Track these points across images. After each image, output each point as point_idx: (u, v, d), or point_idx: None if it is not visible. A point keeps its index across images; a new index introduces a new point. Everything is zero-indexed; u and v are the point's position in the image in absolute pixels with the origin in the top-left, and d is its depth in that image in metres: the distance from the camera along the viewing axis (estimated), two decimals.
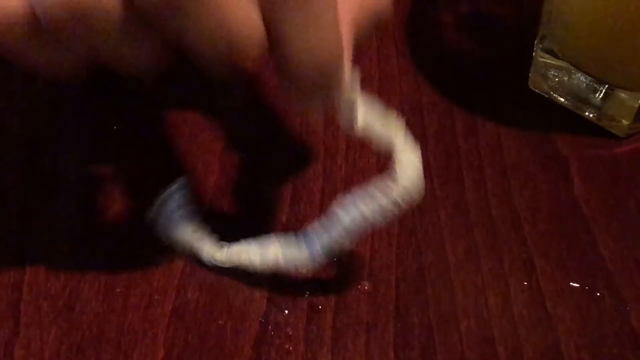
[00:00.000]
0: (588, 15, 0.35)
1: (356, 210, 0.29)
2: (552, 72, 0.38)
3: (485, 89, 0.40)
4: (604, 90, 0.37)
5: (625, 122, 0.37)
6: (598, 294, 0.33)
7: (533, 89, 0.39)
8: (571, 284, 0.33)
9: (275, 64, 0.25)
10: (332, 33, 0.24)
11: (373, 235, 0.34)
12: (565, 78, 0.38)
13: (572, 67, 0.37)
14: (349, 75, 0.26)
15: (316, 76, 0.25)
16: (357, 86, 0.28)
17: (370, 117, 0.28)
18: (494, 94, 0.39)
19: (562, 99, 0.39)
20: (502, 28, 0.42)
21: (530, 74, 0.39)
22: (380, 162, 0.37)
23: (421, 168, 0.29)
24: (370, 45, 0.41)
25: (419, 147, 0.29)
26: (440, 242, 0.34)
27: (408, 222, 0.35)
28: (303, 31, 0.24)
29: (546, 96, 0.39)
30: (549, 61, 0.38)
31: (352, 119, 0.28)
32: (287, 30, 0.24)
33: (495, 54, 0.41)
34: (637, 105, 0.37)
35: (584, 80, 0.37)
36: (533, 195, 0.36)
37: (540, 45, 0.39)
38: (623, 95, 0.37)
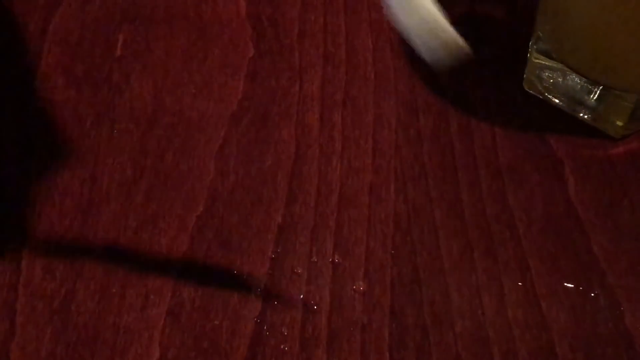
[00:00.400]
0: (583, 16, 0.35)
1: None
2: (547, 73, 0.38)
3: (480, 90, 0.40)
4: (598, 92, 0.37)
5: (619, 123, 0.37)
6: (592, 294, 0.33)
7: (528, 90, 0.39)
8: (565, 284, 0.33)
9: None
10: None
11: (368, 236, 0.34)
12: (560, 79, 0.38)
13: (566, 69, 0.37)
14: None
15: None
16: None
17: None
18: (488, 95, 0.39)
19: (557, 100, 0.39)
20: (497, 29, 0.42)
21: (525, 75, 0.40)
22: (375, 162, 0.37)
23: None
24: (365, 45, 0.41)
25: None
26: (435, 242, 0.34)
27: (403, 222, 0.35)
28: None
29: (541, 97, 0.39)
30: (543, 62, 0.38)
31: None
32: None
33: (490, 55, 0.41)
34: (631, 107, 0.37)
35: (579, 81, 0.37)
36: (528, 195, 0.36)
37: (535, 47, 0.39)
38: (617, 96, 0.37)
